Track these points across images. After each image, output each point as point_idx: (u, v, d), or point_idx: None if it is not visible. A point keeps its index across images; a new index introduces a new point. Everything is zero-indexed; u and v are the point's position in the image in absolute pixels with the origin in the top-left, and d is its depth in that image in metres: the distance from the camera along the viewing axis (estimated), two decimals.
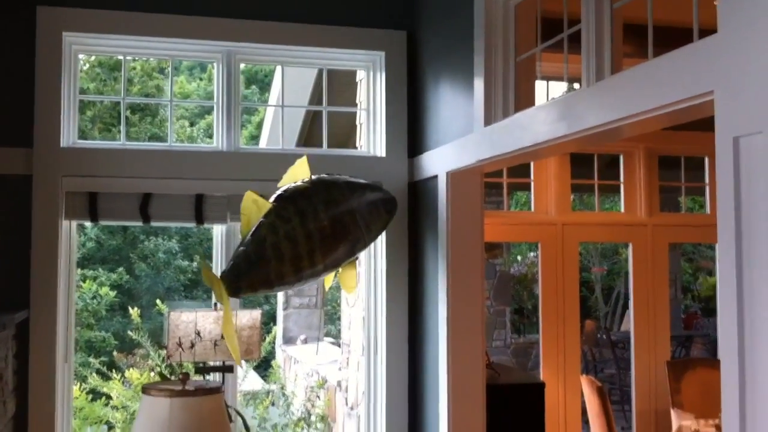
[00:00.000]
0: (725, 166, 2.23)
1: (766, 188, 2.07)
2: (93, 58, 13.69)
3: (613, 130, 2.94)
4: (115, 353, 8.13)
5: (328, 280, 4.30)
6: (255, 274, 3.87)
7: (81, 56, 5.01)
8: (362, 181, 4.23)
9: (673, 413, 5.40)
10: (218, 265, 4.95)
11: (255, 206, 3.92)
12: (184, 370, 2.97)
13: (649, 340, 6.65)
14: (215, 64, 4.99)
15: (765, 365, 2.01)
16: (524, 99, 3.91)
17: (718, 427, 4.48)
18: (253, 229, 3.85)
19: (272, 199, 3.98)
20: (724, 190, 2.23)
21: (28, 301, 4.43)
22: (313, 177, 4.13)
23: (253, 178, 4.83)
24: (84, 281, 11.30)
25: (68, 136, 4.67)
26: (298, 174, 4.25)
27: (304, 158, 4.28)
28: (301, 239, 3.88)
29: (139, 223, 4.76)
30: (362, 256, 5.24)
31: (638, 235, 6.70)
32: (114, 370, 6.50)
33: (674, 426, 5.19)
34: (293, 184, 4.07)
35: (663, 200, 7.01)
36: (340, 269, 4.24)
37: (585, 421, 5.78)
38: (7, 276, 4.42)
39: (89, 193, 4.63)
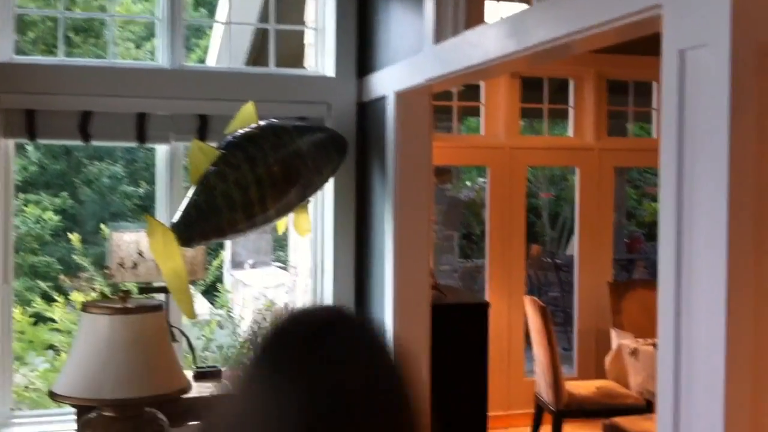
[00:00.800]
0: (671, 80, 2.23)
1: (710, 101, 2.08)
2: None
3: (562, 46, 2.92)
4: (60, 276, 8.02)
5: (281, 225, 4.33)
6: (206, 223, 3.83)
7: None
8: (311, 125, 4.26)
9: (613, 333, 5.55)
10: (163, 188, 4.86)
11: (201, 154, 3.85)
12: (125, 288, 2.93)
13: (593, 263, 6.77)
14: None
15: (700, 286, 2.05)
16: (474, 17, 3.85)
17: (656, 345, 4.61)
18: (202, 177, 3.78)
19: (220, 146, 3.93)
20: (668, 103, 2.23)
21: None
22: (261, 122, 4.09)
23: (197, 96, 4.71)
24: (27, 206, 11.06)
25: (4, 52, 4.48)
26: (246, 120, 4.18)
27: (251, 104, 4.20)
28: (252, 185, 3.85)
29: (79, 142, 4.63)
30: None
31: (585, 159, 6.75)
32: (58, 294, 6.42)
33: (613, 345, 5.34)
34: (241, 131, 4.02)
35: (611, 126, 7.06)
36: (292, 213, 4.25)
37: (528, 343, 5.91)
38: None
39: (27, 111, 4.46)
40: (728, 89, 2.01)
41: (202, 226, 3.81)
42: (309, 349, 0.95)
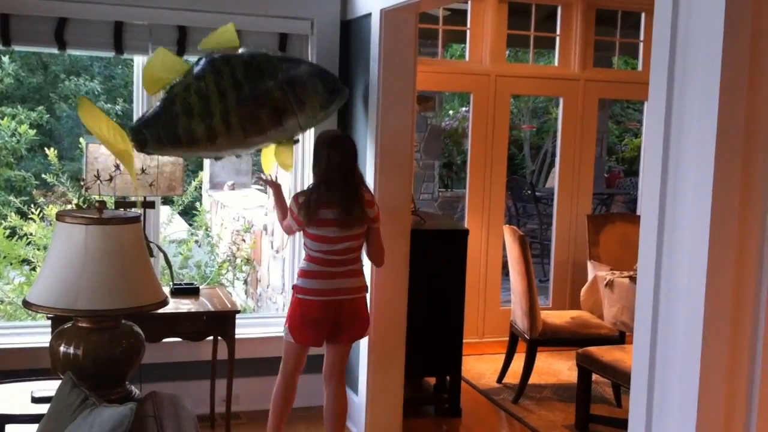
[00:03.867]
0: (664, 5, 2.16)
1: (703, 30, 2.01)
2: None
3: None
4: (33, 191, 7.91)
5: (267, 164, 4.28)
6: (162, 126, 3.81)
7: None
8: (300, 59, 4.19)
9: (589, 265, 5.58)
10: (140, 103, 4.76)
11: (162, 64, 3.92)
12: (101, 201, 2.88)
13: (572, 196, 6.78)
14: None
15: (683, 221, 2.02)
16: None
17: (632, 278, 4.64)
18: (168, 87, 3.90)
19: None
20: (660, 30, 2.16)
21: None
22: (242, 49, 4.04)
23: (177, 7, 4.57)
24: (3, 119, 10.84)
25: None
26: (224, 40, 4.06)
27: (231, 25, 4.09)
28: (214, 97, 3.80)
29: (55, 50, 4.49)
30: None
31: (570, 90, 6.69)
32: (33, 208, 6.33)
33: (589, 276, 5.37)
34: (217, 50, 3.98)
35: (596, 58, 6.97)
36: (274, 145, 4.14)
37: (505, 273, 5.94)
38: None
39: (1, 15, 4.31)
40: (722, 16, 1.95)
41: (156, 128, 3.82)
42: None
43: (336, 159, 3.81)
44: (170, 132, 3.83)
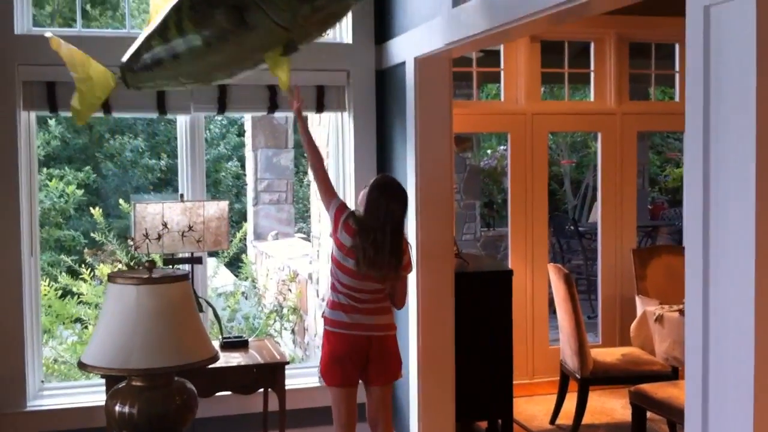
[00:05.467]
0: (695, 38, 2.18)
1: (736, 59, 2.03)
2: None
3: (582, 4, 2.86)
4: (85, 250, 8.09)
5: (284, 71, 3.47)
6: (133, 54, 3.57)
7: None
8: None
9: (638, 300, 5.51)
10: (185, 159, 4.87)
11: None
12: (150, 259, 2.95)
13: (616, 230, 6.72)
14: None
15: (728, 251, 2.01)
16: None
17: (682, 312, 4.58)
18: None
19: None
20: (693, 62, 2.18)
21: None
22: None
23: None
24: (50, 180, 11.13)
25: (22, 23, 4.49)
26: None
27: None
28: (170, 9, 3.37)
29: (101, 114, 4.64)
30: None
31: (607, 124, 6.67)
32: (84, 267, 6.47)
33: (638, 311, 5.30)
34: None
35: (632, 90, 6.96)
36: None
37: (552, 311, 5.89)
38: None
39: (47, 83, 4.47)
40: (755, 45, 1.97)
41: (129, 60, 3.60)
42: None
43: (396, 211, 3.79)
44: (137, 57, 3.55)
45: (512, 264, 6.38)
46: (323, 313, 3.97)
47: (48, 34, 3.76)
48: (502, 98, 6.58)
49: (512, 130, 6.49)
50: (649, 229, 9.80)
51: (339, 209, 3.90)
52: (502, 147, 11.89)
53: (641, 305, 5.35)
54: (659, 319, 4.76)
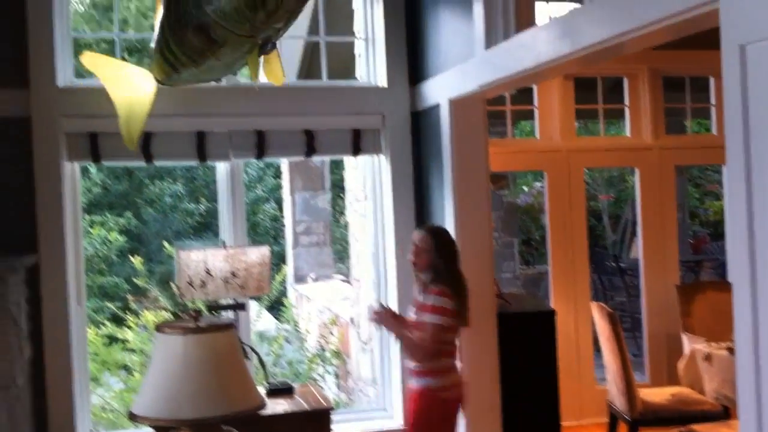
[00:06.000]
0: (732, 77, 2.18)
1: None
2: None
3: (616, 45, 2.88)
4: (129, 296, 8.18)
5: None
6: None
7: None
8: None
9: (684, 337, 5.41)
10: (225, 205, 4.93)
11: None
12: (196, 309, 2.98)
13: (658, 266, 6.63)
14: None
15: None
16: (525, 19, 3.83)
17: (731, 350, 4.49)
18: None
19: None
20: (731, 101, 2.18)
21: (36, 246, 4.42)
22: None
23: (253, 113, 4.77)
24: (93, 227, 11.33)
25: (65, 76, 4.61)
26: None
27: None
28: (164, 28, 3.59)
29: (142, 163, 4.73)
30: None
31: (644, 159, 6.63)
32: (128, 313, 6.55)
33: (686, 350, 5.21)
34: None
35: (668, 123, 6.91)
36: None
37: (597, 349, 5.80)
38: (13, 220, 4.41)
39: (90, 134, 4.58)
40: None
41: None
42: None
43: (458, 256, 3.92)
44: (158, 64, 3.83)
45: (554, 303, 6.32)
46: (424, 385, 3.82)
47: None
48: (538, 136, 6.59)
49: (548, 168, 6.48)
50: (692, 264, 9.65)
51: (447, 296, 3.78)
52: (538, 183, 11.84)
53: (688, 343, 5.26)
54: (708, 357, 4.67)
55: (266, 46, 3.37)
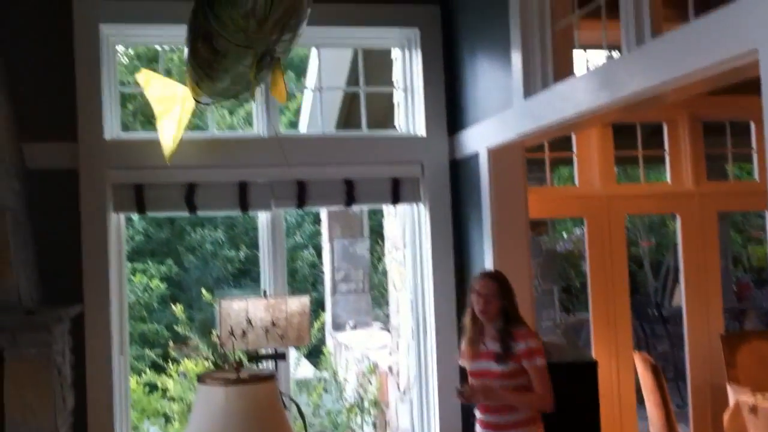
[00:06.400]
0: None
1: None
2: (131, 50, 13.87)
3: (656, 95, 2.89)
4: (170, 344, 8.24)
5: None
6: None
7: (119, 48, 5.05)
8: None
9: (729, 388, 5.29)
10: (266, 253, 4.98)
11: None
12: (237, 359, 3.00)
13: (702, 314, 6.51)
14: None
15: None
16: (563, 69, 3.86)
17: None
18: None
19: None
20: None
21: (81, 296, 4.50)
22: None
23: (294, 163, 4.83)
24: (134, 274, 11.47)
25: (111, 129, 4.73)
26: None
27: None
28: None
29: (186, 214, 4.81)
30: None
31: (686, 206, 6.56)
32: (169, 361, 6.59)
33: (731, 401, 5.09)
34: None
35: (709, 168, 6.85)
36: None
37: (640, 400, 5.70)
38: (60, 271, 4.49)
39: (135, 185, 4.68)
40: None
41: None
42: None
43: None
44: (188, 80, 3.91)
45: (596, 352, 6.23)
46: None
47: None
48: (577, 182, 6.57)
49: (588, 215, 6.44)
50: (736, 312, 9.47)
51: (541, 342, 3.72)
52: (577, 230, 11.77)
53: (733, 394, 5.14)
54: (753, 409, 4.56)
55: (265, 59, 3.34)
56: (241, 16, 3.07)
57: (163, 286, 11.28)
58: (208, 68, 3.50)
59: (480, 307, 3.65)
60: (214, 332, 5.12)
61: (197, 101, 4.07)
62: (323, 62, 5.73)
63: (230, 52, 3.29)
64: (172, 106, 4.31)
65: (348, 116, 7.96)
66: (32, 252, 4.41)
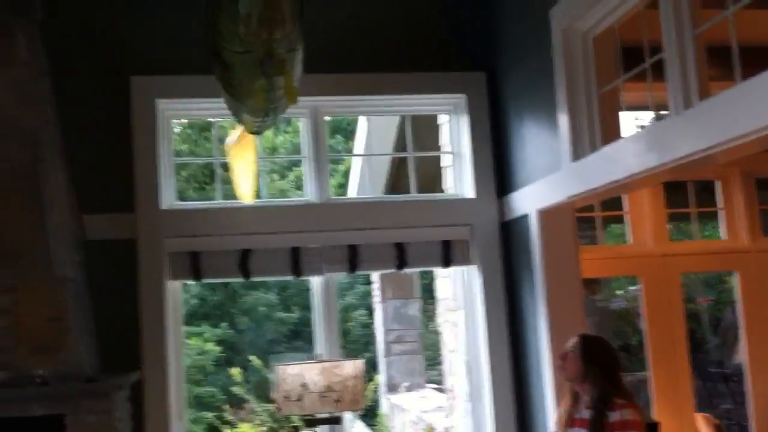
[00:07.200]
0: None
1: None
2: (184, 120, 14.26)
3: (707, 157, 2.89)
4: (227, 407, 8.28)
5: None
6: None
7: (174, 121, 5.21)
8: None
9: None
10: (319, 317, 5.02)
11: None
12: (293, 423, 3.02)
13: (764, 371, 6.34)
14: (302, 120, 5.13)
15: None
16: (611, 131, 3.87)
17: None
18: None
19: None
20: None
21: (139, 362, 4.58)
22: None
23: (344, 227, 4.91)
24: (190, 338, 11.60)
25: (167, 199, 4.86)
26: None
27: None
28: None
29: (240, 279, 4.89)
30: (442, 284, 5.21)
31: (743, 262, 6.43)
32: (224, 424, 6.62)
33: None
34: None
35: (765, 224, 6.73)
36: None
37: None
38: (119, 338, 4.59)
39: (191, 253, 4.78)
40: None
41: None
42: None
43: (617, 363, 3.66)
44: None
45: (656, 411, 6.09)
46: None
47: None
48: (629, 240, 6.50)
49: (643, 273, 6.36)
50: None
51: (635, 413, 3.49)
52: (632, 287, 11.57)
53: None
54: None
55: (266, 62, 3.23)
56: (231, 21, 3.03)
57: (217, 348, 11.35)
58: (225, 83, 3.49)
59: (558, 362, 3.58)
60: (272, 397, 5.14)
61: (254, 132, 4.13)
62: (371, 126, 5.83)
63: (235, 61, 3.27)
64: (241, 152, 4.41)
65: (396, 179, 8.05)
66: (92, 320, 4.52)
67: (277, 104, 3.62)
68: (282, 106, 3.70)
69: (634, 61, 3.63)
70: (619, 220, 7.17)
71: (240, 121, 4.02)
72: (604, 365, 3.50)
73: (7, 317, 4.13)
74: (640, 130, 3.40)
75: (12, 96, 4.31)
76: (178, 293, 4.92)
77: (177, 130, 14.27)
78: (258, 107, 3.64)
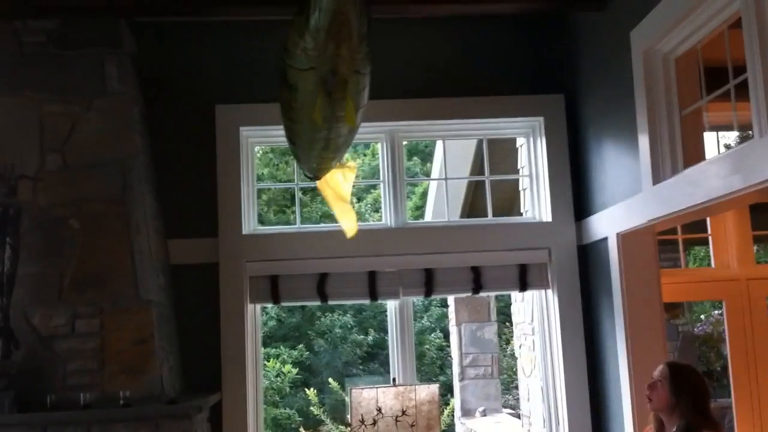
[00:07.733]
0: None
1: None
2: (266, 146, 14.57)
3: None
4: (302, 429, 8.36)
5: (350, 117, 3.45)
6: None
7: (256, 147, 5.34)
8: None
9: None
10: (395, 340, 5.04)
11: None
12: None
13: None
14: (379, 143, 5.18)
15: None
16: (693, 153, 3.80)
17: None
18: None
19: None
20: None
21: (219, 384, 4.68)
22: None
23: (421, 251, 4.92)
24: (268, 360, 11.75)
25: (249, 224, 4.97)
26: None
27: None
28: None
29: (317, 302, 4.96)
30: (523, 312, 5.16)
31: None
32: None
33: None
34: None
35: None
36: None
37: None
38: (201, 360, 4.71)
39: (270, 276, 4.88)
40: None
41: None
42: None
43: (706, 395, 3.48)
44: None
45: None
46: None
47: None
48: (713, 264, 6.34)
49: (727, 297, 6.19)
50: None
51: None
52: (716, 311, 11.24)
53: None
54: None
55: (329, 79, 3.15)
56: (299, 36, 3.01)
57: (294, 371, 11.47)
58: (288, 108, 3.47)
59: (645, 392, 3.46)
60: (344, 420, 5.17)
61: (311, 178, 4.23)
62: (448, 149, 5.85)
63: (300, 82, 3.22)
64: (338, 187, 4.48)
65: (473, 203, 8.04)
66: (175, 343, 4.65)
67: (337, 135, 3.58)
68: (342, 138, 3.65)
69: (717, 80, 3.57)
70: (703, 242, 7.01)
71: (301, 167, 4.10)
72: (693, 395, 3.36)
73: (95, 340, 4.27)
74: (724, 149, 3.32)
75: (105, 125, 4.49)
76: (258, 316, 5.01)
77: (258, 154, 14.60)
78: (316, 128, 3.50)
